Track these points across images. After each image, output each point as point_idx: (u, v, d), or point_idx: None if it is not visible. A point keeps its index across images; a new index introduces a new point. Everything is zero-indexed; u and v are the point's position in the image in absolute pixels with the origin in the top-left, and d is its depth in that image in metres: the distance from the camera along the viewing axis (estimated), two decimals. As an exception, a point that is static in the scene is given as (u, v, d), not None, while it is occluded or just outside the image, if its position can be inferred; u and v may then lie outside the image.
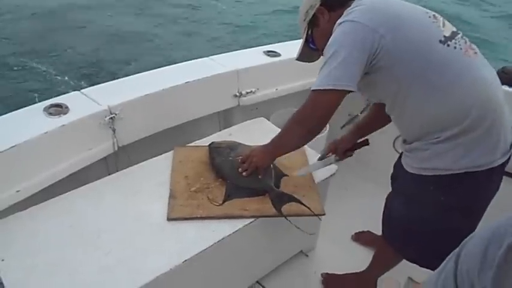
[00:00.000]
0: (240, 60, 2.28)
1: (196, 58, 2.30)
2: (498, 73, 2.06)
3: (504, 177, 1.34)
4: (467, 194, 1.32)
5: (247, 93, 2.26)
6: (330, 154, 1.75)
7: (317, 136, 2.38)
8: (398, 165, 1.49)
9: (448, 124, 1.25)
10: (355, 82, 1.22)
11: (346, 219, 2.22)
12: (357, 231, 2.20)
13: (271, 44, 2.53)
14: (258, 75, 2.27)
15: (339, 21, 1.26)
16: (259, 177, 1.58)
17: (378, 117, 1.61)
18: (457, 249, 0.73)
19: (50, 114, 1.70)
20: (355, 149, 1.75)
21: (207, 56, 2.32)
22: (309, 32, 1.46)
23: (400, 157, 1.51)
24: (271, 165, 1.64)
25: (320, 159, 1.78)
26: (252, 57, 2.34)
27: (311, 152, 1.89)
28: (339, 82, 1.21)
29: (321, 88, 1.24)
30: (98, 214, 1.49)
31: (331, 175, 1.78)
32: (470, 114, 1.22)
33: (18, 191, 1.55)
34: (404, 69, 1.23)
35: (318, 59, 1.53)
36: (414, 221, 1.44)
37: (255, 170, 1.57)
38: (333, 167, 1.81)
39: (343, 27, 1.23)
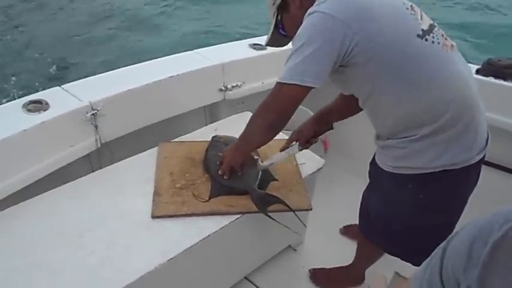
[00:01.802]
0: (225, 54, 2.25)
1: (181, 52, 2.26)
2: (483, 65, 2.09)
3: (484, 166, 1.34)
4: (445, 192, 1.31)
5: (233, 87, 2.23)
6: (294, 143, 1.66)
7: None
8: (373, 163, 1.46)
9: (424, 121, 1.22)
10: (322, 78, 1.17)
11: (334, 213, 2.22)
12: (345, 224, 2.19)
13: (256, 36, 2.50)
14: (243, 68, 2.25)
15: (310, 10, 1.18)
16: (240, 175, 1.56)
17: (342, 106, 1.57)
18: (443, 244, 0.72)
19: (29, 111, 1.66)
20: (319, 135, 1.67)
21: (192, 50, 2.28)
22: (279, 17, 1.37)
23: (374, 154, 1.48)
24: (259, 166, 1.62)
25: (283, 149, 1.68)
26: (237, 50, 2.31)
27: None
28: (304, 78, 1.16)
29: (286, 82, 1.19)
30: (80, 213, 1.46)
31: (318, 169, 1.77)
32: (447, 111, 1.19)
33: None
34: (379, 66, 1.18)
35: (287, 43, 1.45)
36: (392, 218, 1.42)
37: (230, 169, 1.55)
38: (320, 161, 1.80)
39: (314, 19, 1.15)
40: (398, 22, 1.18)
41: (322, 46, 1.13)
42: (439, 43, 1.20)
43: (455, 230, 1.39)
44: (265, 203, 1.49)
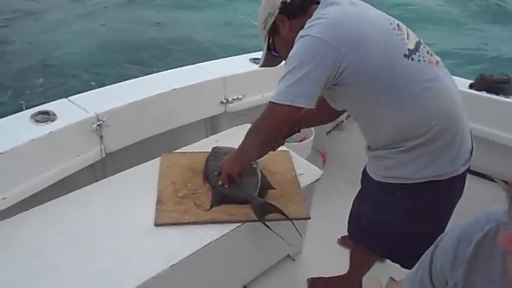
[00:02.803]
0: (227, 68, 2.32)
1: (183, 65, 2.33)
2: (477, 79, 2.15)
3: (474, 176, 1.39)
4: (432, 201, 1.37)
5: (234, 99, 2.29)
6: None
7: (302, 142, 2.43)
8: (365, 172, 1.51)
9: (412, 135, 1.27)
10: (313, 100, 1.23)
11: (332, 223, 2.24)
12: (343, 234, 2.22)
13: (257, 51, 2.57)
14: (244, 82, 2.31)
15: (301, 33, 1.23)
16: (238, 183, 1.60)
17: (312, 115, 1.59)
18: (432, 247, 0.78)
19: (37, 121, 1.71)
20: (286, 137, 1.73)
21: (194, 64, 2.35)
22: (270, 40, 1.43)
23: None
24: (258, 175, 1.67)
25: None
26: (238, 64, 2.38)
27: (297, 157, 1.92)
28: (297, 99, 1.22)
29: (279, 102, 1.24)
30: (85, 220, 1.50)
31: (316, 180, 1.82)
32: (434, 126, 1.24)
33: (4, 198, 1.55)
34: (368, 85, 1.23)
35: (280, 63, 1.52)
36: (382, 225, 1.47)
37: (229, 178, 1.60)
38: (318, 172, 1.84)
39: (306, 43, 1.20)
40: (386, 43, 1.22)
41: (313, 69, 1.18)
42: (424, 61, 1.25)
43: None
44: (264, 211, 1.54)
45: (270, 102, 1.28)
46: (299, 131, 1.73)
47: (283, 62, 1.43)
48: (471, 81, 2.17)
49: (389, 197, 1.40)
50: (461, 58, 6.43)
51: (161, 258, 1.36)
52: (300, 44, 1.22)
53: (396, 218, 1.42)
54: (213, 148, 1.83)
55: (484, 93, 2.06)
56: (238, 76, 2.28)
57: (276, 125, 1.34)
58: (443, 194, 1.36)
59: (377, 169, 1.41)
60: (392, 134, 1.31)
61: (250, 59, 2.43)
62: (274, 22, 1.37)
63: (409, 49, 1.24)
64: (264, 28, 1.40)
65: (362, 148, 1.49)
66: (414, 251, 1.40)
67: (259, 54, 2.46)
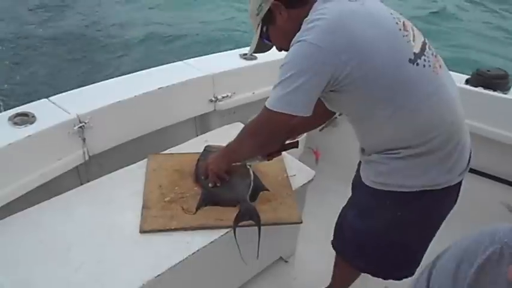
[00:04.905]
0: (216, 64, 2.24)
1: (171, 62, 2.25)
2: (473, 75, 2.10)
3: (471, 174, 1.34)
4: (423, 211, 1.31)
5: (223, 97, 2.22)
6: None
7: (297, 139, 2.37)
8: (357, 176, 1.45)
9: (410, 144, 1.21)
10: (310, 108, 1.17)
11: (326, 224, 2.19)
12: (337, 235, 2.18)
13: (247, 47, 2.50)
14: (234, 79, 2.24)
15: (298, 36, 1.14)
16: (230, 184, 1.55)
17: (306, 122, 1.50)
18: (429, 265, 0.72)
19: (16, 124, 1.63)
20: (283, 150, 1.64)
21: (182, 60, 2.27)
22: (264, 29, 1.32)
23: (359, 166, 1.47)
24: (251, 176, 1.60)
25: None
26: (227, 60, 2.30)
27: (289, 157, 1.86)
28: (293, 108, 1.15)
29: (277, 110, 1.17)
30: (68, 227, 1.43)
31: (308, 181, 1.76)
32: (434, 138, 1.19)
33: None
34: (369, 92, 1.16)
35: (270, 49, 1.42)
36: (367, 234, 1.41)
37: (216, 177, 1.54)
38: (311, 173, 1.79)
39: (303, 49, 1.11)
40: (390, 48, 1.14)
41: (312, 78, 1.11)
42: (429, 66, 1.18)
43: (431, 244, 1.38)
44: (245, 216, 1.48)
45: (268, 108, 1.19)
46: (297, 146, 1.64)
47: (275, 48, 1.36)
48: (467, 77, 2.12)
49: (379, 204, 1.34)
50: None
51: (146, 268, 1.30)
52: (297, 50, 1.13)
53: (384, 226, 1.35)
54: (205, 147, 1.77)
55: (480, 89, 2.01)
56: (227, 73, 2.21)
57: (274, 131, 1.29)
58: (435, 204, 1.30)
59: (369, 174, 1.34)
60: (389, 141, 1.25)
61: (240, 55, 2.36)
62: (269, 9, 1.25)
63: (414, 53, 1.15)
64: (258, 15, 1.29)
65: (356, 145, 1.43)
66: (398, 262, 1.35)
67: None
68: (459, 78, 2.09)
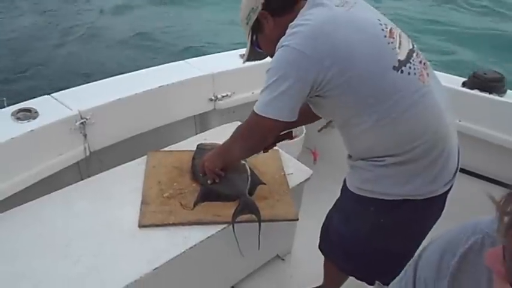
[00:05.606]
0: (216, 64, 2.27)
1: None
2: (469, 78, 2.12)
3: (461, 174, 1.34)
4: (405, 220, 1.30)
5: (223, 96, 2.25)
6: None
7: (293, 140, 2.39)
8: (344, 182, 1.46)
9: (394, 152, 1.21)
10: (295, 113, 1.19)
11: (322, 223, 2.22)
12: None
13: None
14: (233, 78, 2.27)
15: (282, 40, 1.16)
16: (228, 179, 1.57)
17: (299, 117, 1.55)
18: (416, 256, 0.75)
19: (18, 119, 1.66)
20: (278, 142, 1.65)
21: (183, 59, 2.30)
22: (254, 37, 1.36)
23: None
24: (248, 171, 1.63)
25: None
26: (227, 60, 2.33)
27: (286, 156, 1.89)
28: (280, 113, 1.17)
29: (264, 115, 1.20)
30: (67, 221, 1.46)
31: (305, 180, 1.79)
32: (417, 146, 1.18)
33: None
34: (352, 98, 1.17)
35: (266, 57, 1.45)
36: (352, 239, 1.42)
37: (213, 174, 1.56)
38: (308, 172, 1.81)
39: (286, 54, 1.13)
40: (374, 54, 1.14)
41: (295, 84, 1.13)
42: (415, 74, 1.17)
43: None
44: (244, 210, 1.50)
45: (255, 112, 1.23)
46: (291, 138, 1.66)
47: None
48: (464, 79, 2.14)
49: (363, 210, 1.34)
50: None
51: (144, 261, 1.32)
52: (281, 55, 1.15)
53: (367, 233, 1.35)
54: (198, 145, 1.79)
55: (476, 92, 2.03)
56: (227, 72, 2.23)
57: (264, 136, 1.31)
58: (419, 214, 1.29)
59: (354, 180, 1.35)
60: (372, 148, 1.25)
61: (240, 55, 2.38)
62: (257, 19, 1.29)
63: (399, 60, 1.15)
64: (247, 24, 1.33)
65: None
66: (383, 269, 1.36)
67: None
68: (456, 81, 2.11)
